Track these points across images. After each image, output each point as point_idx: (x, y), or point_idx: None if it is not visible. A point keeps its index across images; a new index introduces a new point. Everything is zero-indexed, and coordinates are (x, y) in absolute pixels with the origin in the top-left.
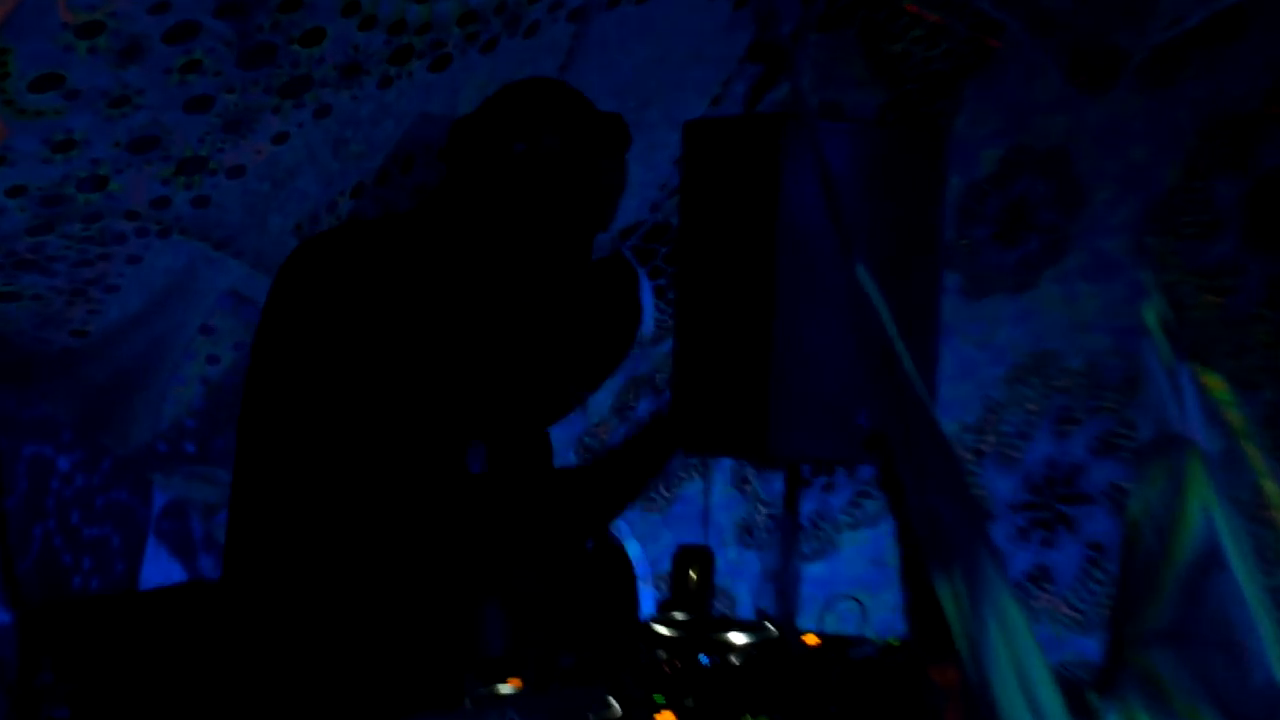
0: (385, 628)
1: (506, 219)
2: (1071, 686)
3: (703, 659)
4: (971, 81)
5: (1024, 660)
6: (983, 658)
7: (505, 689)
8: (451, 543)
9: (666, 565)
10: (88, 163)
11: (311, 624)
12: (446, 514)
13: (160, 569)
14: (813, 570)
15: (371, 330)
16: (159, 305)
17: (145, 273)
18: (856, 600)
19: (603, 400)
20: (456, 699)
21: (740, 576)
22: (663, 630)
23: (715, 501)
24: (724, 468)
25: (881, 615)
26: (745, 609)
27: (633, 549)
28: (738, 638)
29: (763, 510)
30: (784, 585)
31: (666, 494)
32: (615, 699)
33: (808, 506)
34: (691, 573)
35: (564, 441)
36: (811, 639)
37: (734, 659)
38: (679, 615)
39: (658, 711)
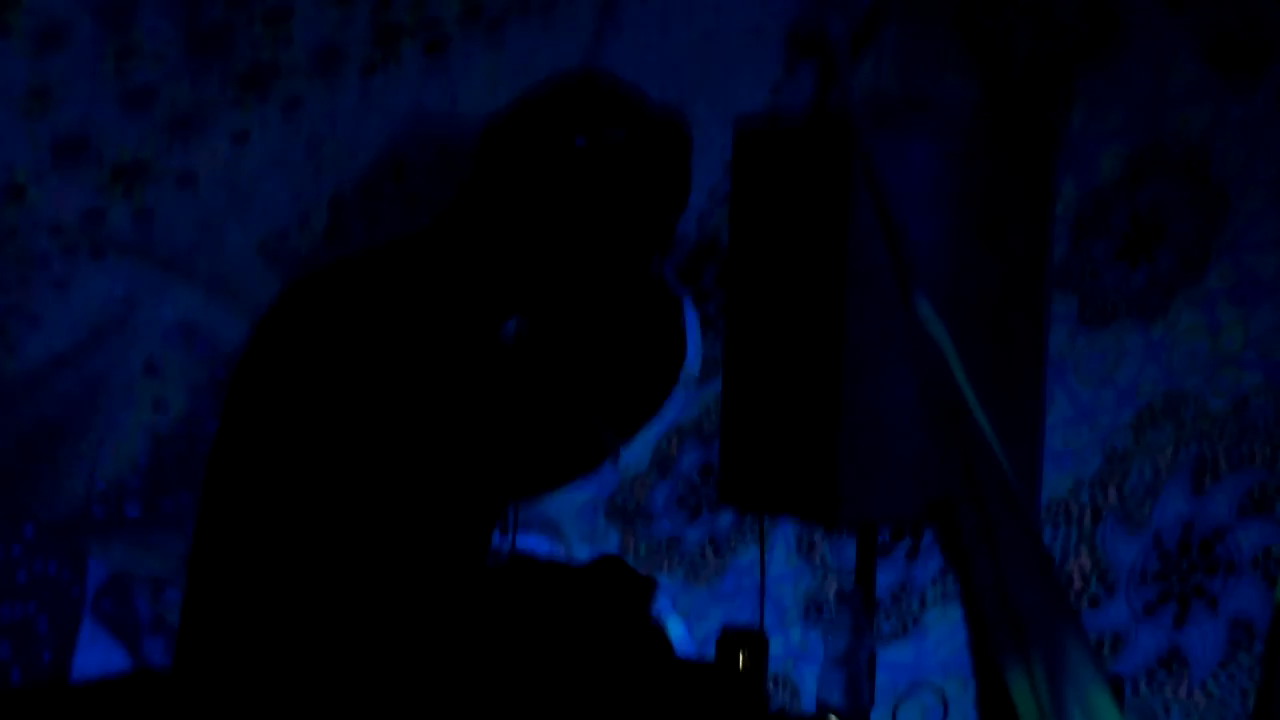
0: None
1: (560, 230)
2: None
3: None
4: (1089, 68)
5: None
6: None
7: None
8: (467, 644)
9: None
10: (1, 169)
11: None
12: (465, 612)
13: (98, 656)
14: (892, 654)
15: (385, 392)
16: (92, 341)
17: (74, 301)
18: (938, 690)
19: (640, 451)
20: None
21: (806, 661)
22: None
23: (775, 573)
24: (786, 532)
25: (964, 707)
26: (811, 698)
27: (675, 630)
28: None
29: (834, 583)
30: (852, 672)
31: (716, 562)
32: None
33: (887, 578)
34: (740, 660)
35: (594, 502)
36: None
37: None
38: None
39: None
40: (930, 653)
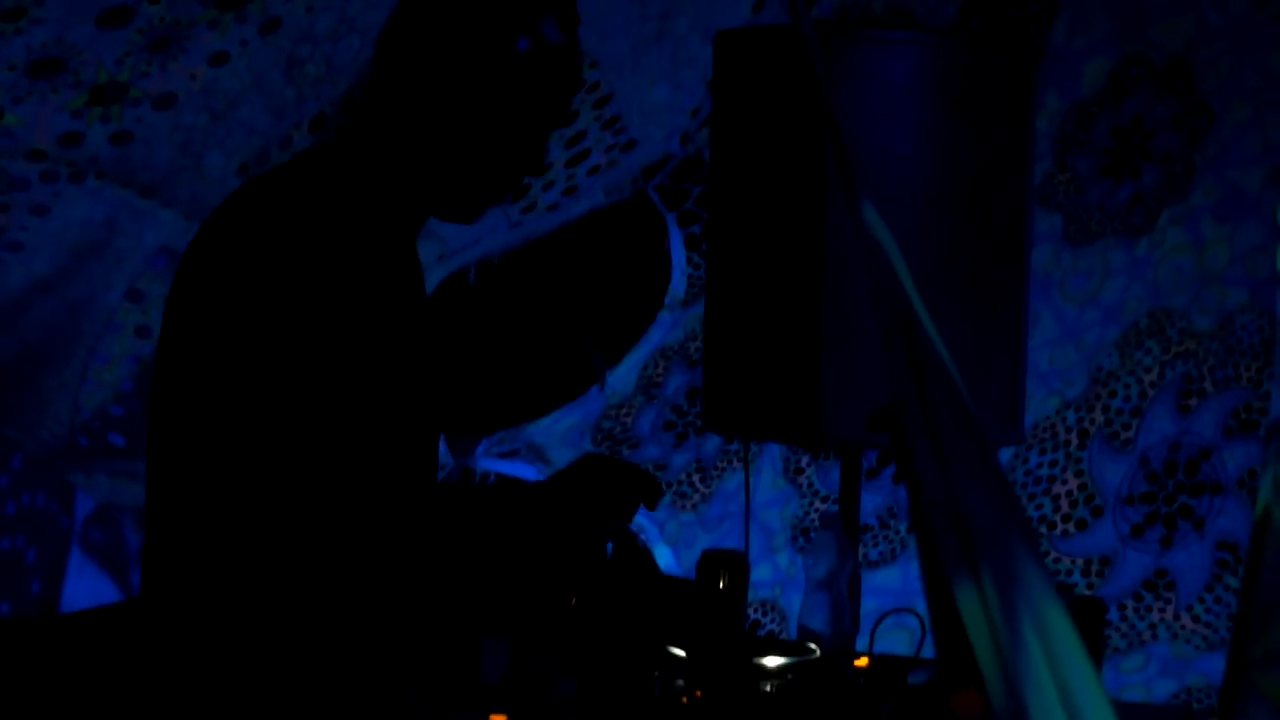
0: (349, 648)
1: (458, 120)
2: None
3: None
4: None
5: (1072, 683)
6: (1018, 680)
7: None
8: (426, 548)
9: None
10: None
11: (261, 646)
12: (418, 511)
13: (87, 587)
14: (880, 578)
15: (341, 288)
16: (73, 266)
17: (55, 226)
18: (914, 613)
19: (625, 375)
20: None
21: (794, 587)
22: (679, 653)
23: (762, 498)
24: (772, 456)
25: None
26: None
27: (662, 556)
28: (772, 661)
29: (820, 507)
30: (834, 597)
31: (703, 489)
32: None
33: (874, 502)
34: (721, 583)
35: (580, 427)
36: (861, 661)
37: (767, 686)
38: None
39: None
40: (918, 577)
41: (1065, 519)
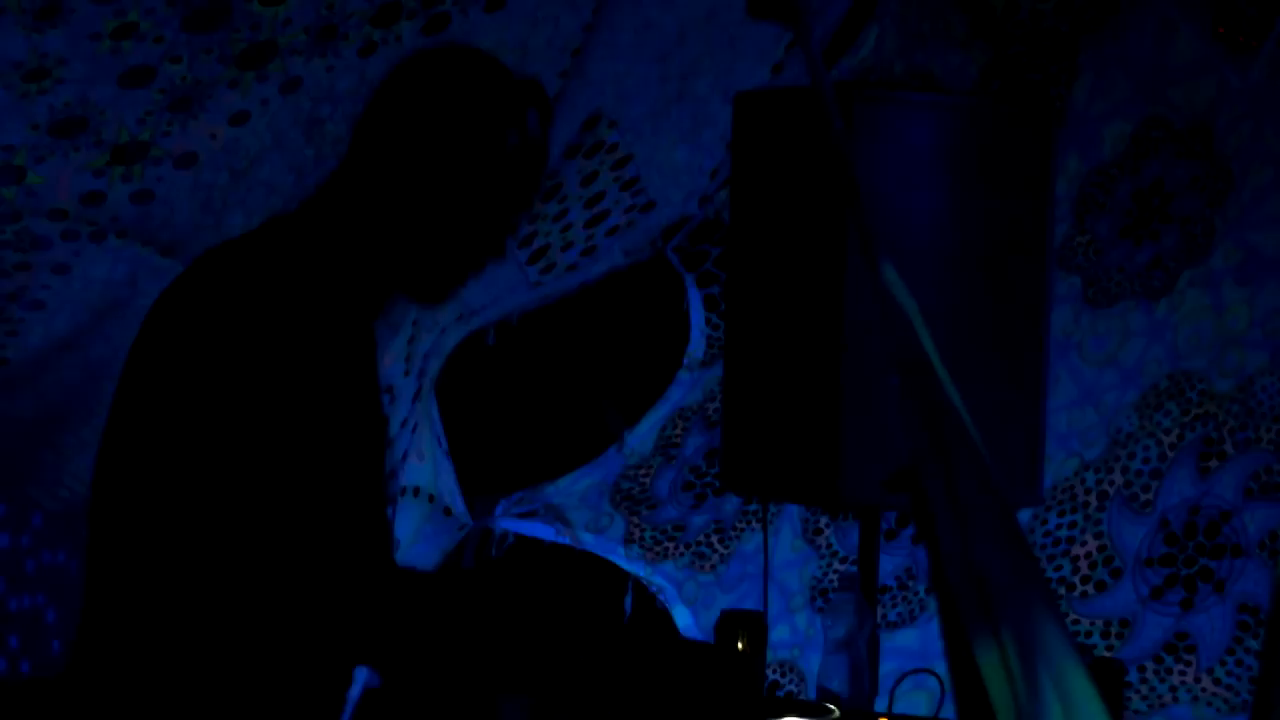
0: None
1: (421, 202)
2: None
3: None
4: (1091, 41)
5: None
6: None
7: None
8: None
9: None
10: (0, 150)
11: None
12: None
13: None
14: (897, 639)
15: (289, 364)
16: (93, 325)
17: (76, 285)
18: (934, 674)
19: (644, 436)
20: None
21: (813, 648)
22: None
23: (781, 559)
24: (791, 517)
25: None
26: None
27: (680, 617)
28: None
29: (839, 568)
30: (853, 657)
31: (721, 549)
32: None
33: (893, 563)
34: (739, 643)
35: (598, 488)
36: None
37: None
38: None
39: None
40: (937, 638)
41: (1084, 580)
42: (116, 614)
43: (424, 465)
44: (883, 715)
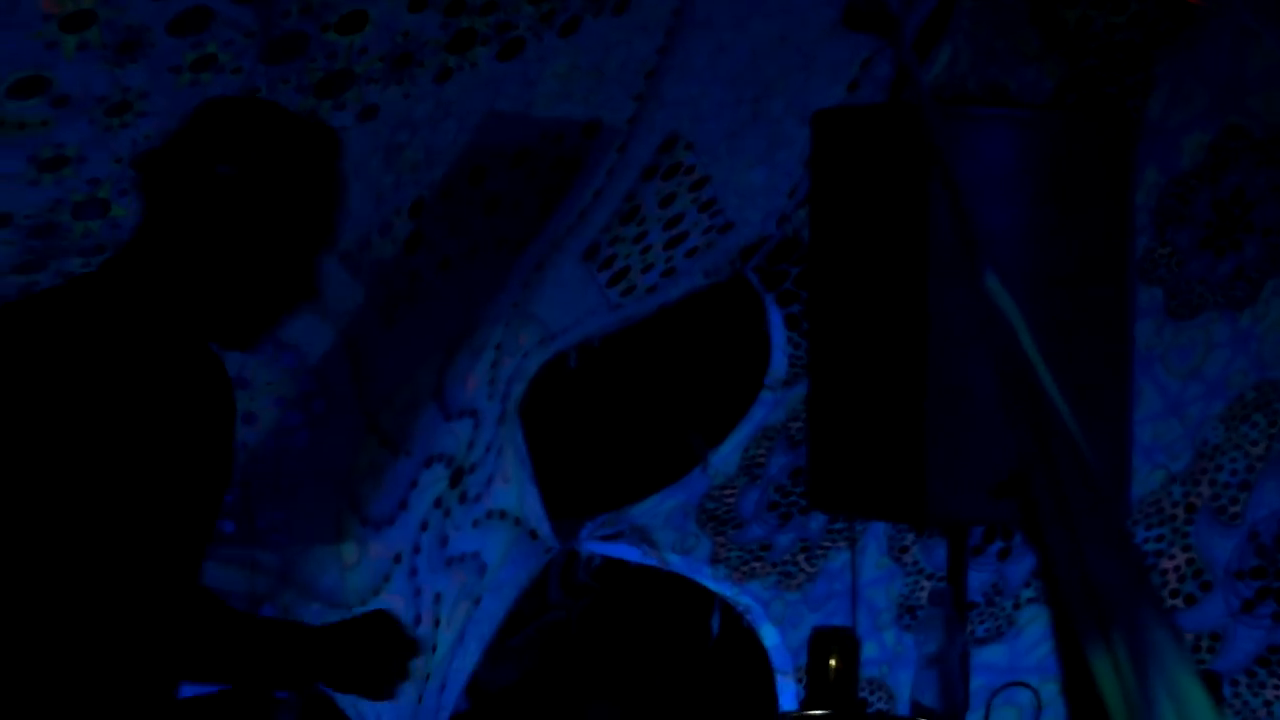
0: None
1: (214, 253)
2: None
3: None
4: (1166, 53)
5: None
6: None
7: None
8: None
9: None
10: (84, 184)
11: None
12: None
13: None
14: (987, 655)
15: (99, 406)
16: None
17: None
18: (1030, 687)
19: (728, 456)
20: None
21: (901, 665)
22: None
23: (868, 577)
24: (877, 534)
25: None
26: (904, 703)
27: (768, 636)
28: None
29: (927, 585)
30: (945, 672)
31: (808, 568)
32: None
33: (980, 579)
34: (832, 660)
35: (683, 508)
36: None
37: None
38: (816, 712)
39: None
40: (1025, 653)
41: (1173, 594)
42: None
43: (510, 489)
44: None
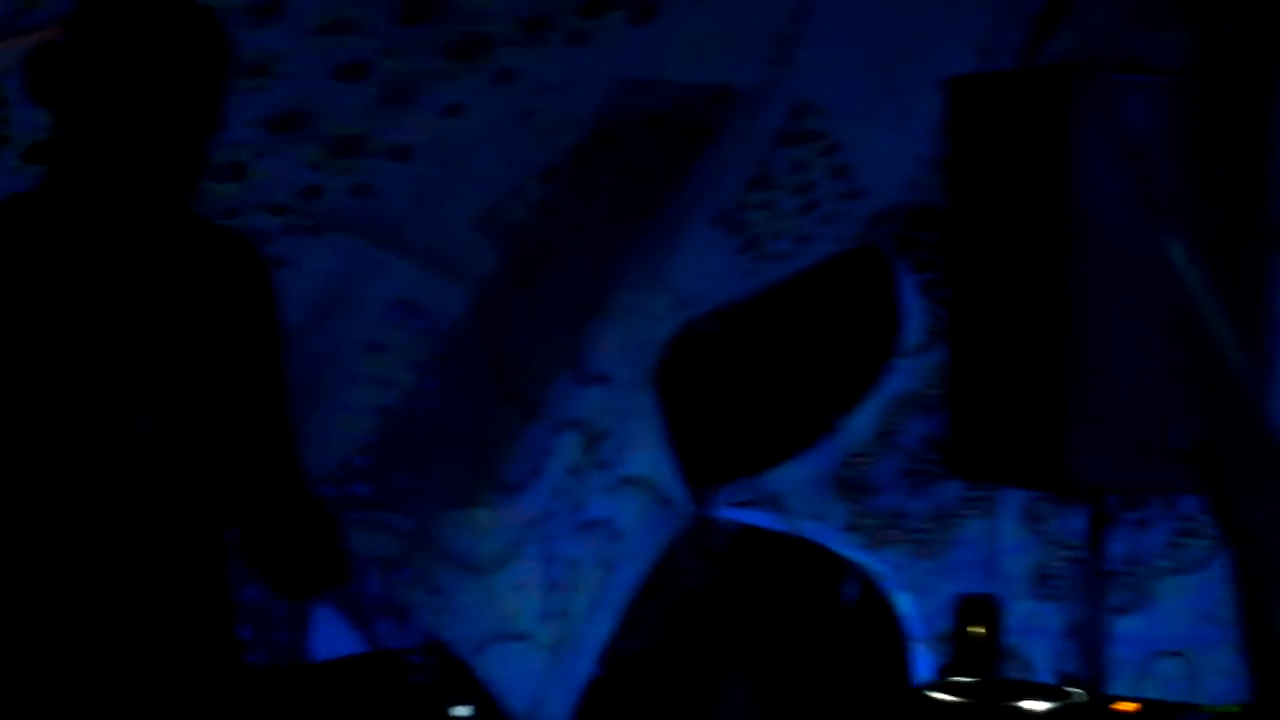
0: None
1: (90, 119)
2: None
3: None
4: None
5: None
6: None
7: None
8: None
9: (945, 622)
10: (221, 146)
11: None
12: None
13: (331, 637)
14: (1125, 626)
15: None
16: (314, 320)
17: (296, 279)
18: (1183, 657)
19: (863, 423)
20: None
21: (1034, 634)
22: (944, 698)
23: (1003, 545)
24: (1012, 503)
25: (1212, 680)
26: (1041, 673)
27: (902, 603)
28: (1037, 705)
29: (1061, 554)
30: (1090, 642)
31: (943, 536)
32: None
33: (1117, 548)
34: (976, 628)
35: (818, 476)
36: (1128, 705)
37: None
38: (963, 679)
39: None
40: (1162, 623)
41: None
42: None
43: (643, 455)
44: (1131, 699)
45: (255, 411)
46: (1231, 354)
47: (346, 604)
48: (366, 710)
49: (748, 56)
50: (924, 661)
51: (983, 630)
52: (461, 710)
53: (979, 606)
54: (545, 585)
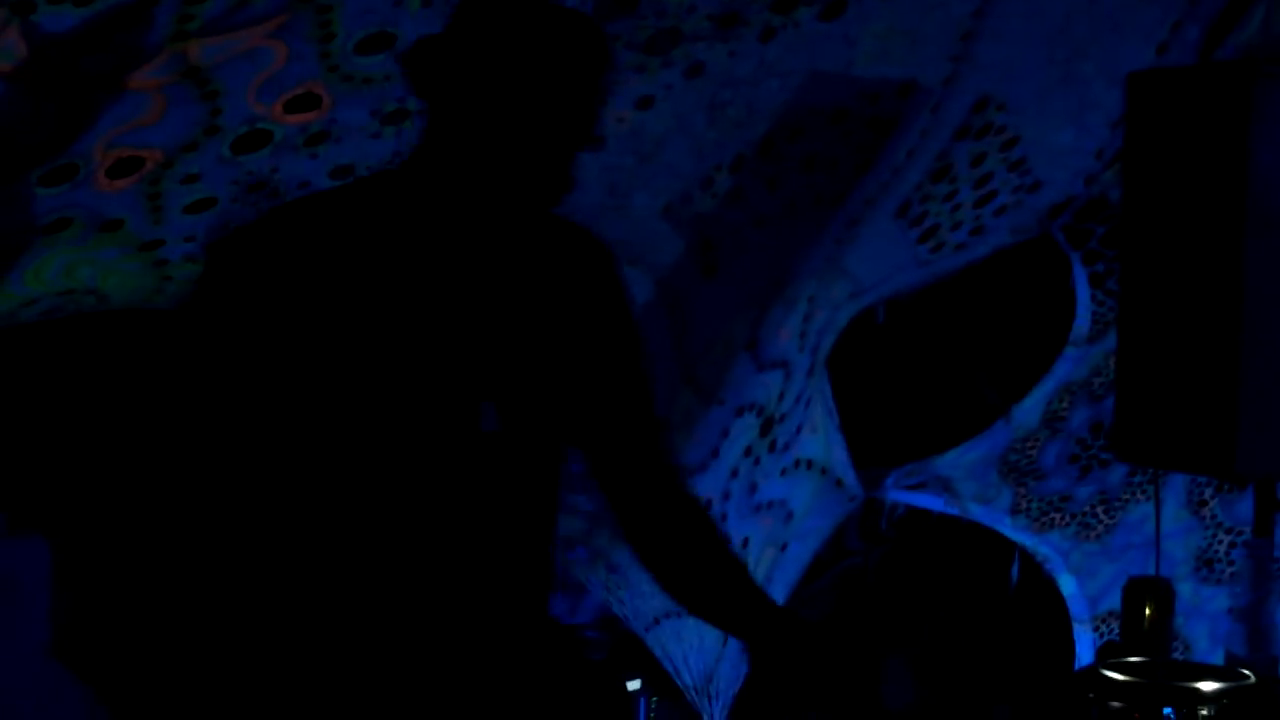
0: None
1: (492, 124)
2: None
3: (1166, 711)
4: None
5: None
6: None
7: None
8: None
9: (1107, 604)
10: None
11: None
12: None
13: None
14: None
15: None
16: None
17: None
18: None
19: (1030, 410)
20: None
21: (1197, 617)
22: (1116, 676)
23: (1165, 529)
24: (1176, 488)
25: None
26: (1203, 655)
27: (1066, 585)
28: (1208, 685)
29: (1225, 539)
30: (1258, 624)
31: (1107, 519)
32: None
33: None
34: (1147, 609)
35: (986, 460)
36: None
37: (1204, 710)
38: (1134, 659)
39: None
40: None
41: None
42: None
43: (817, 438)
44: None
45: (614, 411)
46: None
47: None
48: (542, 684)
49: (932, 52)
50: (1085, 642)
51: (1151, 611)
52: (634, 683)
53: (1149, 586)
54: None
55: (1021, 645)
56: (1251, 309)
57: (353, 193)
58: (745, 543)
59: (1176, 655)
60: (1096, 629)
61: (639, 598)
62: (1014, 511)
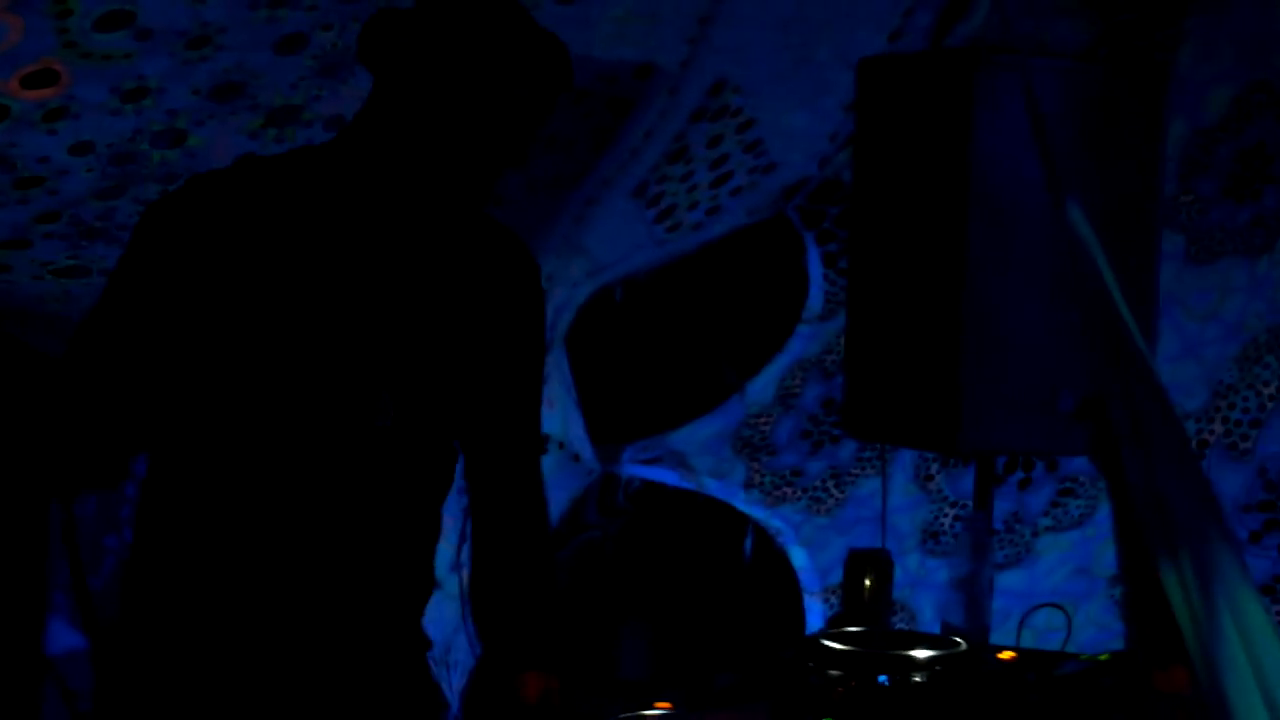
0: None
1: (439, 117)
2: None
3: (881, 678)
4: (1198, 8)
5: (1265, 663)
6: (1216, 659)
7: (654, 713)
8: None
9: (836, 576)
10: (163, 114)
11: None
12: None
13: None
14: (1006, 580)
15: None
16: None
17: None
18: (1061, 609)
19: (763, 387)
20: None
21: (923, 588)
22: (834, 645)
23: (893, 503)
24: (904, 463)
25: (1087, 631)
26: (928, 624)
27: (797, 557)
28: (921, 653)
29: (950, 512)
30: (973, 594)
31: (837, 494)
32: None
33: (1001, 506)
34: (867, 580)
35: (720, 435)
36: (1007, 654)
37: (917, 677)
38: (853, 629)
39: None
40: (1042, 578)
41: None
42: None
43: (554, 413)
44: (1009, 648)
45: (502, 416)
46: (1124, 315)
47: None
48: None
49: (670, 35)
50: (815, 613)
51: (871, 582)
52: None
53: (869, 559)
54: (458, 537)
55: (754, 616)
56: (972, 290)
57: (277, 165)
58: None
59: (901, 625)
60: (826, 600)
61: None
62: (747, 486)
